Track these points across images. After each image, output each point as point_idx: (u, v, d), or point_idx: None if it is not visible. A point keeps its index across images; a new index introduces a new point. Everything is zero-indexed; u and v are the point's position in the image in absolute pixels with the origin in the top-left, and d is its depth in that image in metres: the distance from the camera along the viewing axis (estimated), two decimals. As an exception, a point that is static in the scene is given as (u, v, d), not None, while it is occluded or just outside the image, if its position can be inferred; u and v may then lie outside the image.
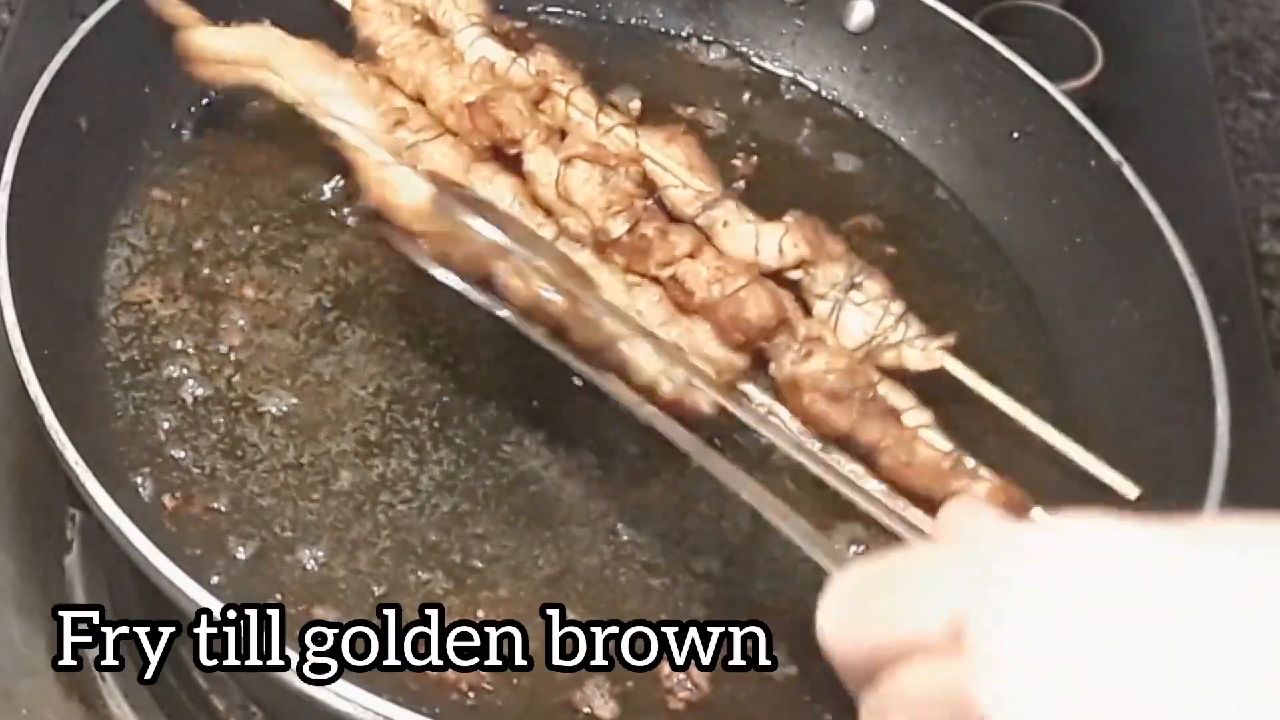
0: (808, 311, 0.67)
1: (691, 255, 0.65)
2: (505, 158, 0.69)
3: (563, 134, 0.70)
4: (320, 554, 0.59)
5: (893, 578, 0.37)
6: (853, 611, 0.37)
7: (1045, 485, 0.62)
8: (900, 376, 0.65)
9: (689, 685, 0.57)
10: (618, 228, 0.65)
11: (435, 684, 0.55)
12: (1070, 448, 0.63)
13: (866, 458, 0.63)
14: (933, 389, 0.65)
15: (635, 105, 0.80)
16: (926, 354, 0.65)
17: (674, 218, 0.68)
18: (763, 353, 0.65)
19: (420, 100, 0.71)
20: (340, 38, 0.74)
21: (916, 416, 0.63)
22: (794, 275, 0.67)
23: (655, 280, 0.66)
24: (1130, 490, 0.62)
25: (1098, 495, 0.62)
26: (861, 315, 0.65)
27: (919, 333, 0.66)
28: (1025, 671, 0.32)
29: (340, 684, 0.49)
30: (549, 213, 0.67)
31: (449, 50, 0.72)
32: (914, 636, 0.35)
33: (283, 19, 0.73)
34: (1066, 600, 0.33)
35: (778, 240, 0.66)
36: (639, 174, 0.68)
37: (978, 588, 0.34)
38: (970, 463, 0.62)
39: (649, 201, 0.67)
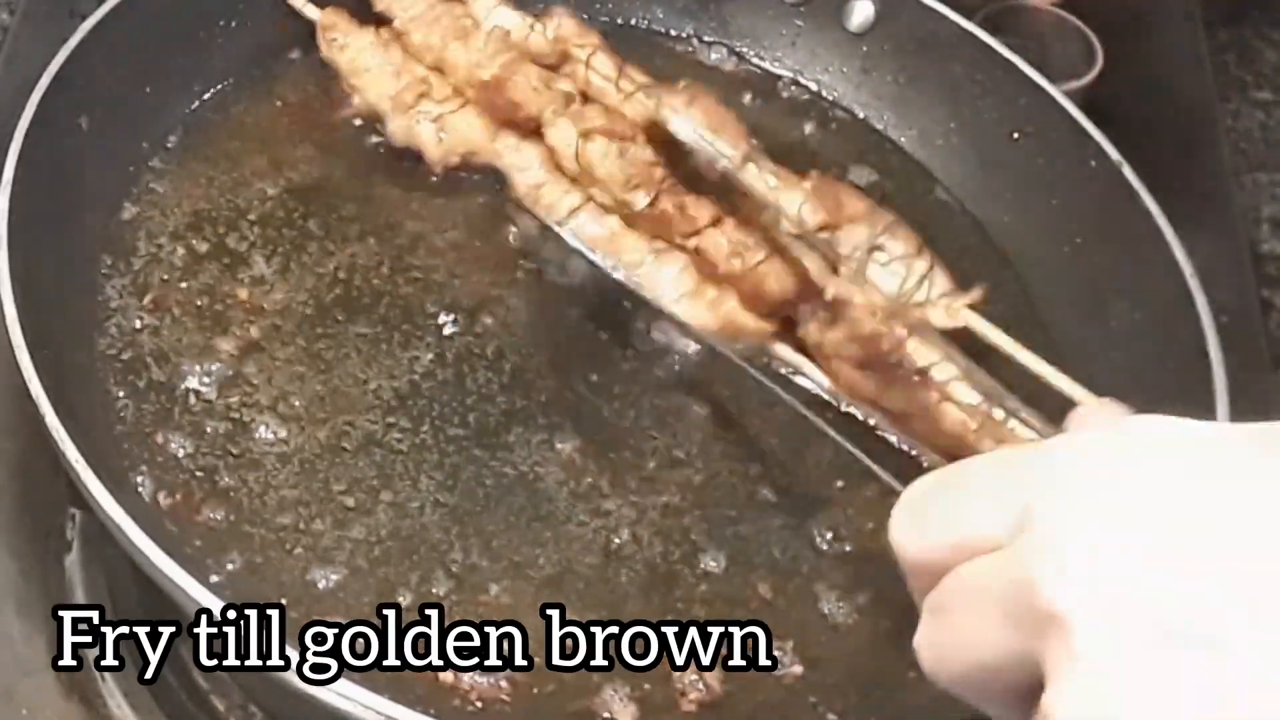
0: (836, 270, 0.67)
1: (714, 224, 0.65)
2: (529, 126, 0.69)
3: (585, 98, 0.70)
4: (320, 553, 0.59)
5: (963, 479, 0.37)
6: (922, 514, 0.37)
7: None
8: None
9: (700, 686, 0.57)
10: (639, 201, 0.65)
11: (446, 692, 0.55)
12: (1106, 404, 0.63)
13: (899, 420, 0.64)
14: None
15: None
16: (950, 311, 0.65)
17: (697, 182, 0.68)
18: (792, 317, 0.66)
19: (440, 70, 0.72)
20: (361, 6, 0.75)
21: (945, 370, 0.63)
22: (820, 236, 0.67)
23: (682, 248, 0.66)
24: None
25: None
26: (887, 275, 0.65)
27: (943, 290, 0.65)
28: (1087, 555, 0.32)
29: (340, 683, 0.49)
30: (575, 181, 0.68)
31: (463, 20, 0.72)
32: (981, 533, 0.35)
33: (274, 30, 0.74)
34: (1129, 488, 0.33)
35: (798, 206, 0.66)
36: (662, 140, 0.68)
37: (1042, 481, 0.34)
38: (999, 414, 0.61)
39: (668, 174, 0.67)
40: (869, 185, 0.80)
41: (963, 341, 0.65)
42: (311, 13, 0.75)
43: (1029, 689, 0.33)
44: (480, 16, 0.73)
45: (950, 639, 0.36)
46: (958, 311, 0.65)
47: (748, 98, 0.83)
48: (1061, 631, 0.31)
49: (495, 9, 0.73)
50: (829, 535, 0.63)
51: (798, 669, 0.58)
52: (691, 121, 0.68)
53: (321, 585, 0.58)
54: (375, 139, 0.75)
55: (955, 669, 0.35)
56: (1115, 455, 0.34)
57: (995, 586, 0.34)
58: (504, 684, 0.56)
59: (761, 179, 0.67)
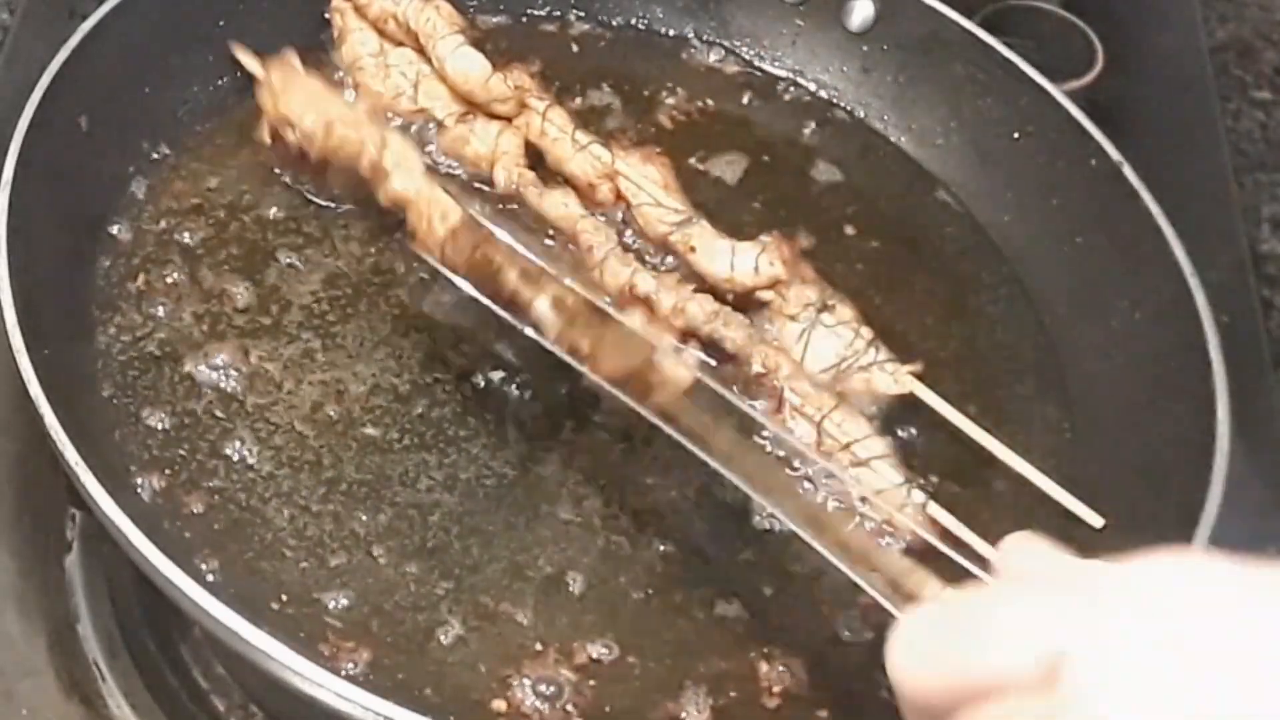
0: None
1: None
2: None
3: (539, 155, 0.71)
4: (320, 553, 0.59)
5: (977, 616, 0.36)
6: (932, 650, 0.37)
7: (1015, 512, 0.63)
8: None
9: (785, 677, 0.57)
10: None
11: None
12: (1037, 476, 0.64)
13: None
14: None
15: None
16: (896, 378, 0.65)
17: (648, 237, 0.70)
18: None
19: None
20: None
21: (870, 447, 0.63)
22: (765, 296, 0.68)
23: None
24: (1095, 520, 0.62)
25: (1065, 525, 0.62)
26: (833, 338, 0.66)
27: (888, 357, 0.66)
28: (1124, 712, 0.32)
29: (341, 683, 0.49)
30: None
31: (416, 71, 0.74)
32: (1002, 675, 0.34)
33: (273, 31, 0.74)
34: (1167, 643, 0.32)
35: (754, 258, 0.67)
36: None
37: (1075, 626, 0.33)
38: (919, 497, 0.62)
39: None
40: (869, 186, 0.80)
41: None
42: (254, 68, 0.73)
43: None
44: (443, 56, 0.73)
45: None
46: (903, 378, 0.65)
47: (748, 98, 0.83)
48: None
49: (458, 49, 0.73)
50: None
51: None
52: (644, 180, 0.69)
53: (321, 585, 0.58)
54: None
55: None
56: (1148, 606, 0.33)
57: None
58: (570, 707, 0.56)
59: (713, 234, 0.68)
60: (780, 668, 0.58)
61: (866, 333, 0.66)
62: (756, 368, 0.64)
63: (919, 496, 0.61)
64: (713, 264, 0.68)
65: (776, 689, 0.58)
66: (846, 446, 0.62)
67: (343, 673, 0.52)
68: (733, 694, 0.57)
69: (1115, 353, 0.70)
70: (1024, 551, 0.41)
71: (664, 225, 0.69)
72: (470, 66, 0.73)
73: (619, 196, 0.71)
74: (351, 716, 0.49)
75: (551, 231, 0.70)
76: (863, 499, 0.62)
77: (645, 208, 0.70)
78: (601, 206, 0.71)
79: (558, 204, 0.70)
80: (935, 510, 0.61)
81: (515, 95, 0.72)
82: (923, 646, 0.37)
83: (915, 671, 0.37)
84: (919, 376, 0.65)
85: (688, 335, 0.65)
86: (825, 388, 0.64)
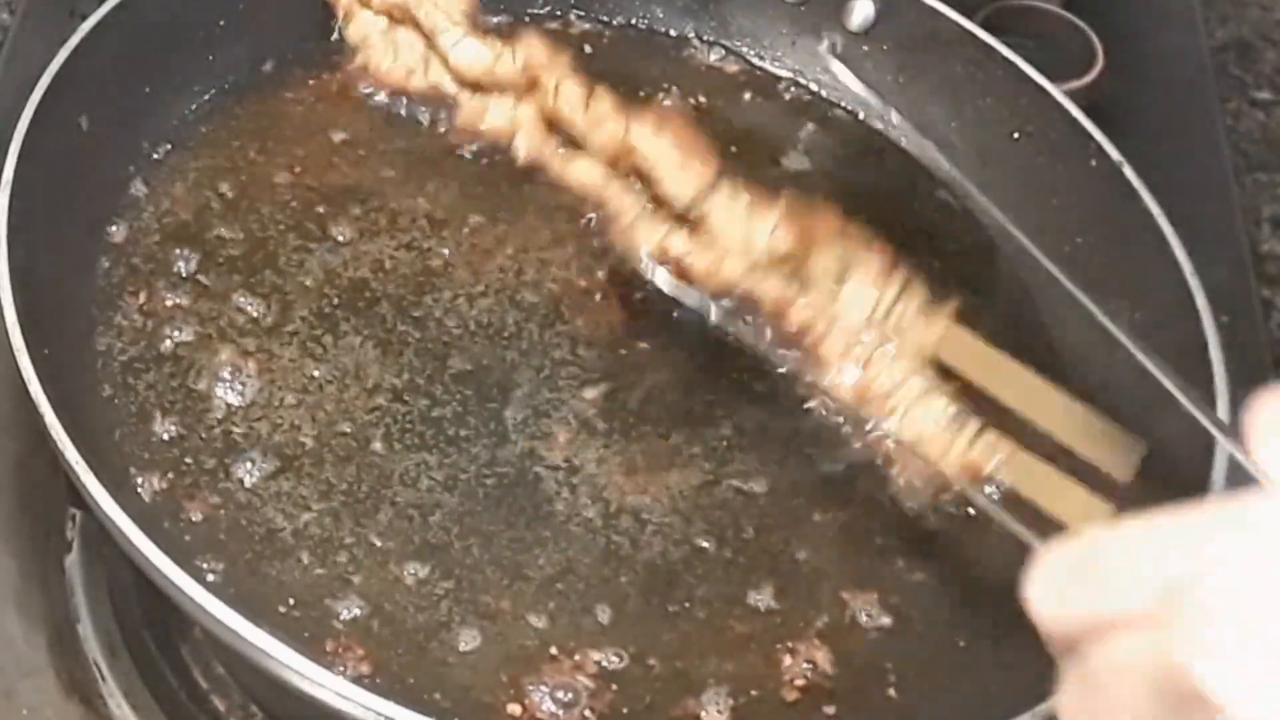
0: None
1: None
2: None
3: (551, 124, 0.70)
4: (320, 553, 0.59)
5: (1107, 547, 0.37)
6: (1064, 581, 0.37)
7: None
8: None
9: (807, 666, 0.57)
10: None
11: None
12: (1076, 410, 0.62)
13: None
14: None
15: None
16: (931, 323, 0.65)
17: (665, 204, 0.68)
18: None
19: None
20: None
21: (915, 386, 0.62)
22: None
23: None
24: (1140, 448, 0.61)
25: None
26: (861, 293, 0.65)
27: (920, 304, 0.65)
28: (1239, 639, 0.32)
29: (342, 683, 0.49)
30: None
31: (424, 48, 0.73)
32: (1126, 607, 0.35)
33: (275, 32, 0.74)
34: None
35: (769, 230, 0.66)
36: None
37: (1193, 556, 0.34)
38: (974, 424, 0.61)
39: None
40: (868, 186, 0.80)
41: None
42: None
43: None
44: (446, 51, 0.73)
45: (1097, 709, 0.36)
46: (937, 323, 0.65)
47: (748, 98, 0.83)
48: (1213, 716, 0.32)
49: (458, 44, 0.73)
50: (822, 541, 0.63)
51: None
52: (660, 146, 0.68)
53: (321, 585, 0.58)
54: (377, 140, 0.75)
55: None
56: (1269, 534, 0.33)
57: (1150, 668, 0.34)
58: (588, 714, 0.56)
59: (733, 203, 0.67)
60: (804, 663, 0.58)
61: (897, 280, 0.65)
62: (798, 322, 0.64)
63: (974, 424, 0.61)
64: (732, 236, 0.67)
65: (799, 682, 0.58)
66: (893, 391, 0.62)
67: (346, 674, 0.53)
68: (753, 692, 0.57)
69: (1115, 353, 0.70)
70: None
71: (681, 200, 0.68)
72: (473, 57, 0.72)
73: (637, 170, 0.69)
74: (352, 716, 0.49)
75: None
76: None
77: (663, 182, 0.68)
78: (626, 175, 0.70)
79: (582, 171, 0.69)
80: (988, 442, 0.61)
81: (525, 75, 0.71)
82: (1055, 578, 0.38)
83: (1049, 606, 0.37)
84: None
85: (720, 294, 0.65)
86: (866, 334, 0.64)
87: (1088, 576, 0.37)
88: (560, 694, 0.56)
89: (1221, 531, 0.34)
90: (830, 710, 0.57)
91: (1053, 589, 0.37)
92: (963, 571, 0.63)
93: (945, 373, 0.63)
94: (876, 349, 0.63)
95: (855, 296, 0.65)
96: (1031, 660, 0.39)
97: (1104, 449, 0.62)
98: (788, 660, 0.58)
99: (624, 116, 0.69)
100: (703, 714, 0.56)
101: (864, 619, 0.60)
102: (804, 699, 0.58)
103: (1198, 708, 0.32)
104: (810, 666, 0.58)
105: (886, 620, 0.61)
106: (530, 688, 0.56)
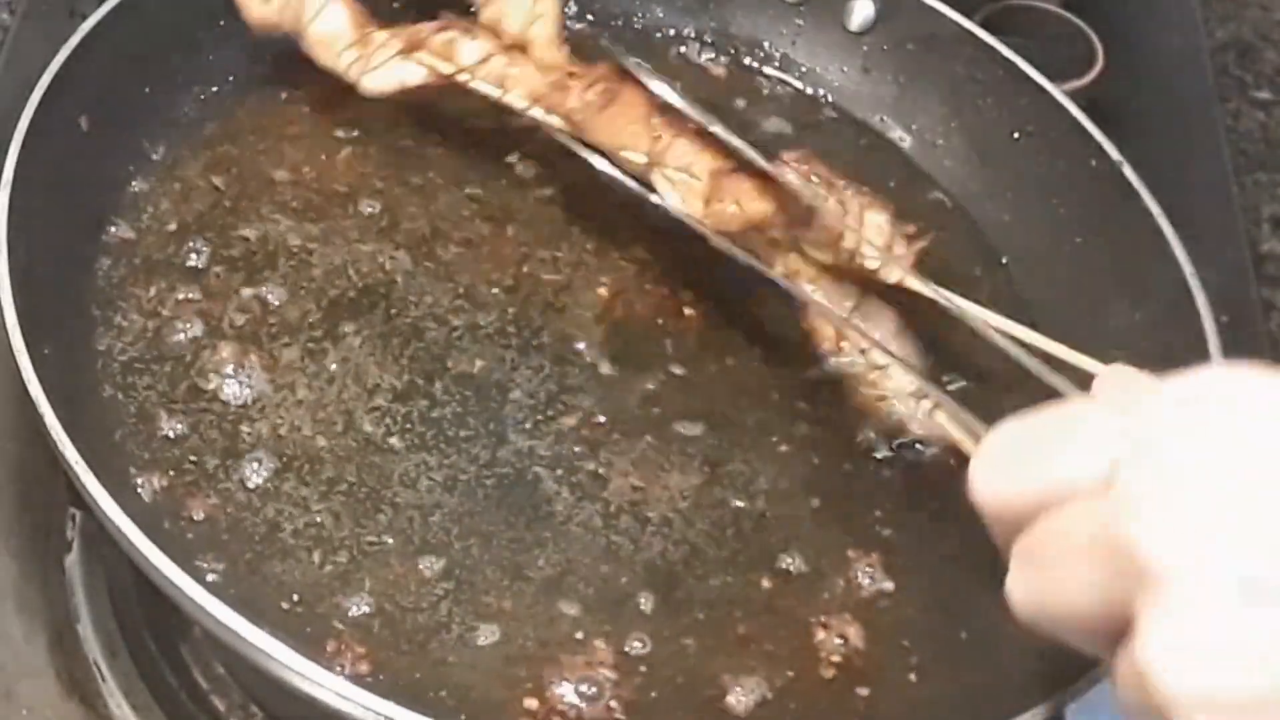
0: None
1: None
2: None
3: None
4: (320, 553, 0.59)
5: (1049, 429, 0.38)
6: (1008, 461, 0.39)
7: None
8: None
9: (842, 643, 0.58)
10: None
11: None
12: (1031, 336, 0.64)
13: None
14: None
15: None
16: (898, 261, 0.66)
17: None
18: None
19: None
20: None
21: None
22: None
23: None
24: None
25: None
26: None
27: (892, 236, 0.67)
28: (1178, 511, 0.33)
29: (341, 683, 0.49)
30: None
31: None
32: (1070, 482, 0.36)
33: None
34: (1222, 448, 0.34)
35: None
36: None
37: (1130, 432, 0.35)
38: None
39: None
40: (868, 185, 0.80)
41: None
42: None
43: (1119, 630, 0.35)
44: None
45: (1043, 585, 0.37)
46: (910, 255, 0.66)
47: (747, 97, 0.83)
48: (1153, 584, 0.33)
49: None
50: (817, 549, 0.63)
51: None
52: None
53: (321, 585, 0.58)
54: (377, 139, 0.75)
55: (1047, 613, 0.37)
56: (1208, 413, 0.35)
57: (1089, 537, 0.35)
58: (614, 704, 0.56)
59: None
60: (837, 638, 0.59)
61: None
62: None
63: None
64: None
65: (835, 658, 0.59)
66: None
67: (346, 674, 0.53)
68: (789, 672, 0.58)
69: (1115, 353, 0.70)
70: (1111, 379, 0.44)
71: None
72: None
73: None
74: (352, 716, 0.49)
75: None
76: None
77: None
78: None
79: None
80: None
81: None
82: (1000, 459, 0.39)
83: (994, 483, 0.39)
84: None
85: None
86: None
87: (1032, 453, 0.38)
88: (583, 687, 0.56)
89: (1151, 407, 0.36)
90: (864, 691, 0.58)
91: (1000, 466, 0.39)
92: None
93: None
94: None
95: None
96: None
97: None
98: (820, 634, 0.59)
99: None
100: (729, 698, 0.57)
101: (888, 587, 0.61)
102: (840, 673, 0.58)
103: (1138, 580, 0.33)
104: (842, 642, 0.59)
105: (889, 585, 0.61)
106: (550, 682, 0.56)
